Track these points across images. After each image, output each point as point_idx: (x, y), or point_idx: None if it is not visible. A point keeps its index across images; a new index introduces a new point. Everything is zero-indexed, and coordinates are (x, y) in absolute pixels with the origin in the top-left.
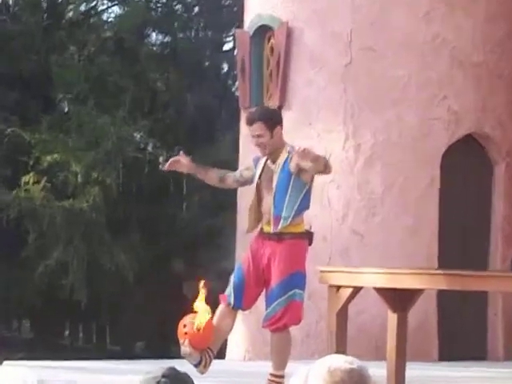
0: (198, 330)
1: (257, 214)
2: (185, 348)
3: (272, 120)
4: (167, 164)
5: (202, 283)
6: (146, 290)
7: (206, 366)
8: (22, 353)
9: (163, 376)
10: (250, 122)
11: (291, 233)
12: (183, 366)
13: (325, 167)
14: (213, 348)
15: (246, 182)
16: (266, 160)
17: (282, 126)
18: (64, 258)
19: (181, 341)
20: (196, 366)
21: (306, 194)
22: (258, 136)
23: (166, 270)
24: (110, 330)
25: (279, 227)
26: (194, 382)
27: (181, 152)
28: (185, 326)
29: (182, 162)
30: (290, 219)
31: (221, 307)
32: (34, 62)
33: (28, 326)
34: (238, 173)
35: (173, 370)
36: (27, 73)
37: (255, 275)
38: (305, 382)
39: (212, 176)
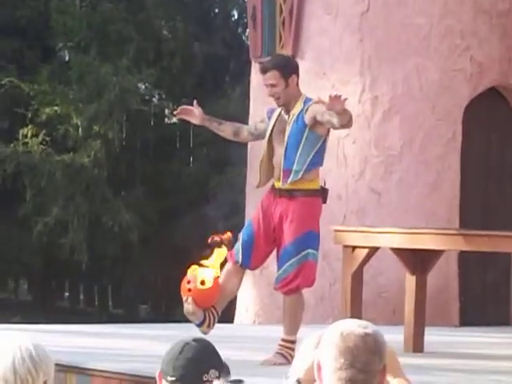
0: (202, 283)
1: (268, 168)
2: (188, 305)
3: (287, 68)
4: (178, 110)
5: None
6: (150, 249)
7: (210, 326)
8: (19, 316)
9: (194, 340)
10: (263, 71)
11: (304, 189)
12: (191, 330)
13: (348, 122)
14: (217, 308)
15: (261, 135)
16: (280, 111)
17: (297, 75)
18: (64, 216)
19: (184, 298)
20: (199, 325)
21: (320, 148)
22: (272, 85)
23: (173, 229)
24: (112, 291)
25: (289, 181)
26: None
27: (194, 102)
28: (189, 281)
29: (194, 113)
30: (301, 173)
31: (228, 265)
32: (33, 8)
33: (25, 287)
34: (252, 125)
35: (206, 340)
36: (25, 19)
37: (265, 233)
38: (316, 348)
39: (226, 129)
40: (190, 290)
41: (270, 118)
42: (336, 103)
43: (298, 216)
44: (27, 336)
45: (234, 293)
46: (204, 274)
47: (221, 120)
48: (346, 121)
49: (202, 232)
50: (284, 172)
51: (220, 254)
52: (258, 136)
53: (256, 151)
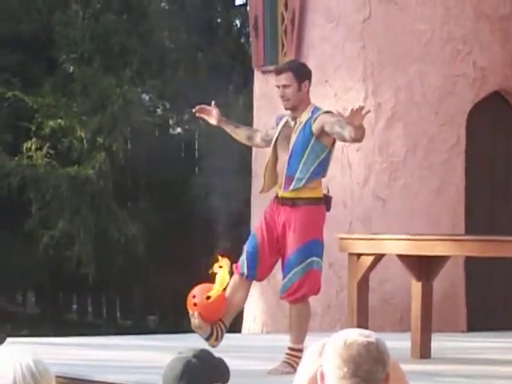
0: (208, 298)
1: (272, 174)
2: (194, 320)
3: (301, 72)
4: (196, 108)
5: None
6: (158, 260)
7: (218, 340)
8: (27, 329)
9: (194, 356)
10: (278, 72)
11: (306, 198)
12: (200, 341)
13: (362, 136)
14: (225, 321)
15: (271, 141)
16: (287, 119)
17: (310, 82)
18: (70, 229)
19: (190, 312)
20: (207, 339)
21: (324, 158)
22: (284, 86)
23: (179, 239)
24: (120, 303)
25: (290, 188)
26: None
27: (213, 102)
28: (194, 296)
29: (212, 113)
30: (303, 181)
31: (234, 278)
32: (36, 21)
33: (33, 300)
34: (264, 132)
35: (206, 352)
36: (28, 33)
37: (269, 244)
38: (320, 357)
39: (241, 132)
40: (195, 304)
41: (277, 125)
42: (357, 117)
43: (300, 225)
44: (27, 351)
45: (241, 305)
46: (209, 288)
47: (237, 123)
48: (360, 135)
49: (208, 242)
50: (286, 178)
51: (223, 276)
52: (269, 142)
53: (260, 160)
